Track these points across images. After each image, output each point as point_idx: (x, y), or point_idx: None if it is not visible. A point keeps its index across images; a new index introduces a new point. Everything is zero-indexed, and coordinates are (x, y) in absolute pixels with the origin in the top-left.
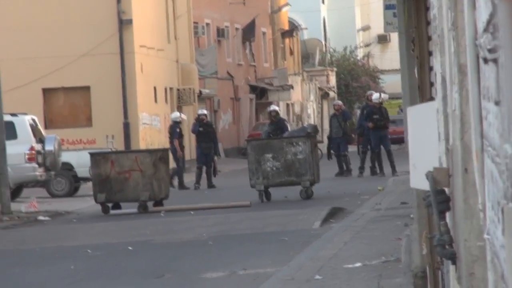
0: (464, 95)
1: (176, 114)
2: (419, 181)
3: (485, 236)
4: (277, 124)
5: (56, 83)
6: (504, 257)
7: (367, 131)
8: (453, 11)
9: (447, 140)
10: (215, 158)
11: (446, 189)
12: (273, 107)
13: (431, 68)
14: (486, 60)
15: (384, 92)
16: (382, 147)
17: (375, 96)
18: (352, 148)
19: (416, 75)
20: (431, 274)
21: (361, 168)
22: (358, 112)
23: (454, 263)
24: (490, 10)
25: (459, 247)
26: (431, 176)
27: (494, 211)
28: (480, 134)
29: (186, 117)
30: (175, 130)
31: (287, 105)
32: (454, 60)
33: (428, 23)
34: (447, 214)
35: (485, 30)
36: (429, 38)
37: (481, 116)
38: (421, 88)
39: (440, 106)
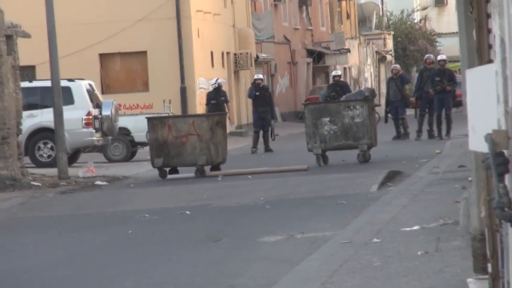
0: None
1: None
2: (478, 144)
3: None
4: (341, 88)
5: (112, 48)
6: None
7: (425, 95)
8: None
9: (506, 102)
10: (273, 122)
11: (505, 151)
12: (337, 71)
13: (489, 31)
14: None
15: (435, 55)
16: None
17: (439, 56)
18: (410, 112)
19: (475, 38)
20: (489, 237)
21: (419, 132)
22: (416, 75)
23: None
24: None
25: None
26: (490, 139)
27: None
28: None
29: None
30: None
31: (344, 69)
32: None
33: None
34: (506, 176)
35: None
36: (488, 0)
37: None
38: (479, 50)
39: (499, 68)
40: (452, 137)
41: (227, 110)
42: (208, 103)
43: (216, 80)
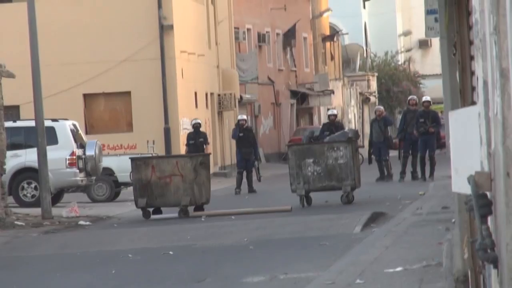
0: (506, 99)
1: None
2: (461, 186)
3: None
4: (337, 127)
5: (97, 89)
6: None
7: (408, 136)
8: (495, 15)
9: (489, 144)
10: (257, 163)
11: (488, 193)
12: (332, 111)
13: (472, 73)
14: None
15: (419, 97)
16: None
17: (424, 98)
18: (394, 153)
19: (458, 80)
20: (473, 279)
21: (403, 173)
22: (400, 116)
23: (496, 267)
24: None
25: (501, 251)
26: (473, 180)
27: None
28: None
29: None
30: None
31: (328, 110)
32: (496, 64)
33: (470, 28)
34: (489, 218)
35: None
36: (471, 43)
37: None
38: (462, 92)
39: (482, 110)
40: (435, 178)
41: (206, 152)
42: (187, 144)
43: (192, 121)
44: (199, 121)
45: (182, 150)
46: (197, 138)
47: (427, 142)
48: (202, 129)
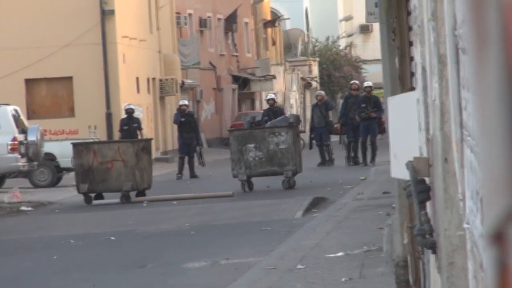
0: (444, 85)
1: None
2: (400, 171)
3: (465, 225)
4: (276, 113)
5: (38, 74)
6: (483, 246)
7: (350, 121)
8: (433, 2)
9: (427, 130)
10: (199, 148)
11: (427, 179)
12: (271, 95)
13: (411, 58)
14: (465, 51)
15: (360, 82)
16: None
17: (365, 83)
18: (334, 138)
19: (397, 65)
20: (412, 264)
21: (349, 157)
22: (341, 101)
23: (434, 252)
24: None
25: (439, 236)
26: (411, 166)
27: (473, 201)
28: (460, 124)
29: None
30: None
31: (267, 95)
32: (434, 50)
33: (408, 14)
34: (428, 204)
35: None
36: (410, 29)
37: (460, 106)
38: (402, 78)
39: (421, 96)
40: (377, 163)
41: (139, 137)
42: (121, 130)
43: (124, 106)
44: (132, 106)
45: None
46: (130, 123)
47: (369, 127)
48: (144, 115)
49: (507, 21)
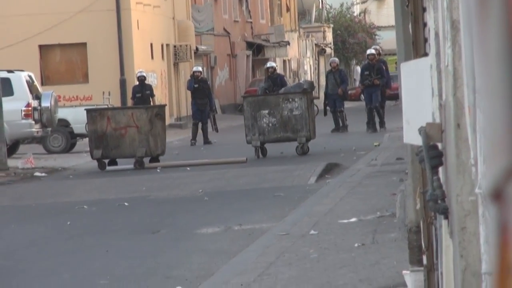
0: (457, 51)
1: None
2: (413, 137)
3: (477, 190)
4: (276, 80)
5: (52, 40)
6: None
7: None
8: None
9: (440, 95)
10: (212, 114)
11: (439, 145)
12: (270, 63)
13: (425, 24)
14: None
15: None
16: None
17: (368, 51)
18: (348, 104)
19: (411, 31)
20: (424, 229)
21: (368, 123)
22: (357, 68)
23: (446, 217)
24: None
25: (451, 201)
26: (424, 131)
27: (486, 166)
28: (473, 89)
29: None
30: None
31: (284, 61)
32: (447, 16)
33: None
34: (440, 169)
35: None
36: None
37: (473, 71)
38: (415, 44)
39: (434, 62)
40: (390, 129)
41: (152, 104)
42: (133, 97)
43: (137, 73)
44: (144, 73)
45: None
46: (143, 90)
47: (372, 94)
48: (158, 81)
49: None
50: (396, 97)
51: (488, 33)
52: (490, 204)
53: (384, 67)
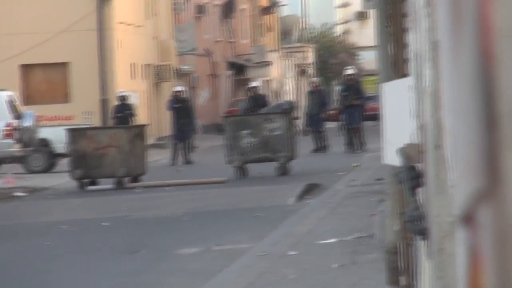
0: (437, 72)
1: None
2: (392, 158)
3: (455, 212)
4: (257, 100)
5: (34, 59)
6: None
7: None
8: None
9: (419, 116)
10: (192, 134)
11: (418, 165)
12: (253, 83)
13: (406, 45)
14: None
15: (355, 69)
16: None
17: (346, 71)
18: (330, 125)
19: (392, 52)
20: (403, 250)
21: (348, 144)
22: (337, 88)
23: (424, 238)
24: None
25: (430, 222)
26: (403, 152)
27: (457, 188)
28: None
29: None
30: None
31: (265, 81)
32: (427, 36)
33: (403, 0)
34: (419, 190)
35: None
36: (404, 15)
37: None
38: (396, 64)
39: (414, 82)
40: (370, 150)
41: (132, 124)
42: (114, 117)
43: (117, 93)
44: (125, 93)
45: None
46: (124, 110)
47: (352, 115)
48: (140, 101)
49: (482, 5)
50: (375, 117)
51: (461, 54)
52: (461, 227)
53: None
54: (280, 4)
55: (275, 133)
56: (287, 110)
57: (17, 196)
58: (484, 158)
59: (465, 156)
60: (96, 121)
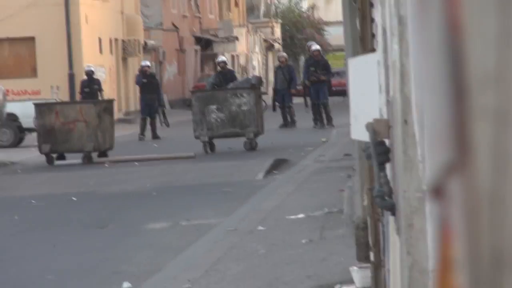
0: (404, 47)
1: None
2: (360, 133)
3: (424, 187)
4: (226, 75)
5: (0, 34)
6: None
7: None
8: None
9: (387, 91)
10: (162, 109)
11: (386, 141)
12: (221, 57)
13: (372, 20)
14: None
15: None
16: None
17: (313, 47)
18: (297, 100)
19: (358, 27)
20: (372, 226)
21: (315, 119)
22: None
23: (393, 214)
24: None
25: (398, 198)
26: (371, 128)
27: (426, 161)
28: (419, 85)
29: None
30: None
31: (232, 56)
32: (394, 11)
33: None
34: (387, 166)
35: None
36: None
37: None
38: (363, 39)
39: (381, 58)
40: (338, 125)
41: (100, 99)
42: (82, 92)
43: (85, 68)
44: (92, 68)
45: None
46: (91, 85)
47: (319, 90)
48: (107, 76)
49: None
50: (343, 93)
51: (428, 27)
52: (430, 200)
53: (329, 64)
54: None
55: (243, 108)
56: (255, 85)
57: None
58: (452, 129)
59: (434, 128)
60: (63, 96)
